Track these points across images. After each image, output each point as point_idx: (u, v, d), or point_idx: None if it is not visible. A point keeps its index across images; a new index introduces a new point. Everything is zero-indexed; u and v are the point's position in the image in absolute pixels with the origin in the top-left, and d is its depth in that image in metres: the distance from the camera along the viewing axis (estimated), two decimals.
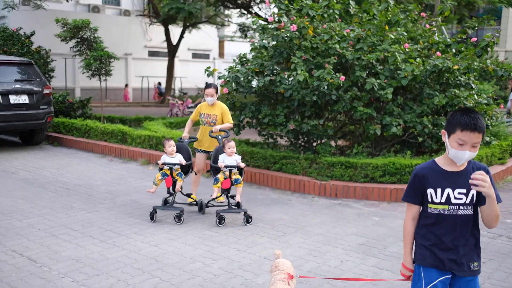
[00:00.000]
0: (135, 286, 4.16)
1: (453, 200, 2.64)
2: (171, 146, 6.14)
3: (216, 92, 6.74)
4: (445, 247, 2.66)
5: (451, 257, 2.65)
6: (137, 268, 4.53)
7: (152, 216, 5.97)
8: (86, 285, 4.14)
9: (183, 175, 6.19)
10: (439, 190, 2.66)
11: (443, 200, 2.65)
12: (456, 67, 7.96)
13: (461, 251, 2.65)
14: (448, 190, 2.64)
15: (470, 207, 2.65)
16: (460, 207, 2.64)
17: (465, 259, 2.65)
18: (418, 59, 8.20)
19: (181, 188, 6.15)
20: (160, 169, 6.16)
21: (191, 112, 12.35)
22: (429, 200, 2.68)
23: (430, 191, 2.68)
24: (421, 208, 2.77)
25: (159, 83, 30.58)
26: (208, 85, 6.82)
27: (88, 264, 4.61)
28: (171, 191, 6.16)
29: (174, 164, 6.08)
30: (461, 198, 2.63)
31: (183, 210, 6.03)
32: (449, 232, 2.65)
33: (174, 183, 6.11)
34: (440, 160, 2.74)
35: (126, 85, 30.43)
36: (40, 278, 4.27)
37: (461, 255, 2.65)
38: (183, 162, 6.15)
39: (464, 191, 2.63)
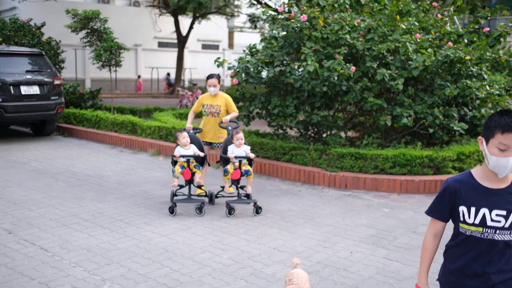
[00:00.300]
0: (145, 275, 4.19)
1: (489, 223, 2.25)
2: (185, 137, 6.07)
3: (219, 82, 6.70)
4: (473, 273, 2.31)
5: (478, 285, 2.31)
6: (148, 258, 4.56)
7: (172, 210, 5.86)
8: (97, 274, 4.18)
9: (201, 167, 6.13)
10: (473, 209, 2.28)
11: (477, 222, 2.27)
12: (468, 57, 7.88)
13: (492, 279, 2.28)
14: (484, 210, 2.25)
15: (509, 232, 2.26)
16: (497, 231, 2.25)
17: None
18: (429, 50, 8.12)
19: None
20: (175, 162, 6.07)
21: None
22: (461, 219, 2.32)
23: (462, 209, 2.31)
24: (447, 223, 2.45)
25: (168, 74, 30.57)
26: (210, 76, 6.77)
27: (99, 253, 4.64)
28: (192, 184, 6.07)
29: (191, 156, 5.99)
30: (499, 221, 2.24)
31: (204, 202, 5.97)
32: (480, 257, 2.30)
33: (192, 176, 6.02)
34: (477, 172, 2.34)
35: (139, 76, 30.48)
36: (52, 267, 4.31)
37: (492, 284, 2.28)
38: (201, 154, 6.09)
39: (504, 213, 2.24)
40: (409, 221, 5.83)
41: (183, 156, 5.96)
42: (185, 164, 5.95)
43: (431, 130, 7.94)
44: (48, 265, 4.35)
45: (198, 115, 7.07)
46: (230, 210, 5.90)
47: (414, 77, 8.07)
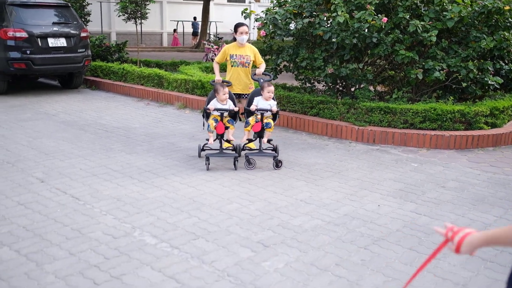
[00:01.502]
0: (174, 224, 4.25)
1: None
2: (225, 93, 5.91)
3: (249, 30, 6.54)
4: None
5: None
6: (176, 208, 4.62)
7: (207, 167, 5.80)
8: (127, 222, 4.26)
9: (234, 122, 6.06)
10: None
11: None
12: (507, 7, 7.55)
13: None
14: None
15: None
16: None
17: None
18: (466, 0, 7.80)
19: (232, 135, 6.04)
20: (207, 115, 5.99)
21: None
22: None
23: None
24: None
25: (195, 18, 29.99)
26: (240, 23, 6.53)
27: (128, 202, 4.72)
28: (223, 138, 6.02)
29: (226, 110, 5.92)
30: None
31: (237, 157, 5.94)
32: None
33: (224, 130, 5.94)
34: None
35: (175, 30, 30.19)
36: (83, 214, 4.40)
37: None
38: (235, 108, 5.99)
39: None
40: (438, 176, 5.76)
41: (217, 110, 5.89)
42: (219, 118, 5.89)
43: (464, 84, 7.71)
44: (79, 212, 4.45)
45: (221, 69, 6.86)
46: (249, 163, 5.89)
47: (448, 28, 7.79)
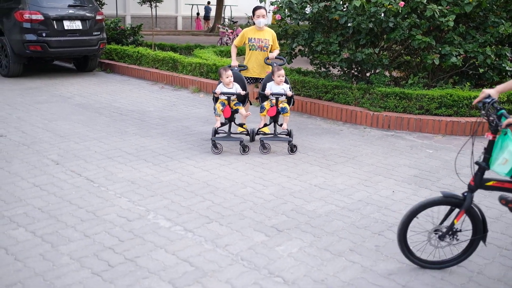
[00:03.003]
0: (188, 207, 4.26)
1: None
2: (228, 76, 5.91)
3: (266, 13, 6.49)
4: None
5: None
6: (190, 191, 4.63)
7: (215, 147, 5.81)
8: (141, 205, 4.28)
9: (242, 105, 6.03)
10: None
11: None
12: None
13: None
14: None
15: None
16: None
17: None
18: None
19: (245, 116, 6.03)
20: (216, 99, 5.99)
21: None
22: None
23: None
24: None
25: (208, 2, 29.88)
26: (258, 6, 6.50)
27: (142, 185, 4.74)
28: (232, 122, 6.00)
29: (233, 94, 5.88)
30: None
31: (243, 140, 5.90)
32: None
33: (232, 114, 5.93)
34: None
35: (198, 14, 30.09)
36: (98, 197, 4.44)
37: None
38: (242, 92, 5.95)
39: None
40: (453, 163, 5.70)
41: (223, 94, 5.89)
42: (226, 102, 5.89)
43: (481, 70, 7.59)
44: (94, 195, 4.48)
45: (239, 53, 6.83)
46: (264, 146, 5.88)
47: (466, 13, 7.65)
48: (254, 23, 6.56)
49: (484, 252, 3.62)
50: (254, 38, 6.46)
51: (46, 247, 3.50)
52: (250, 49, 6.51)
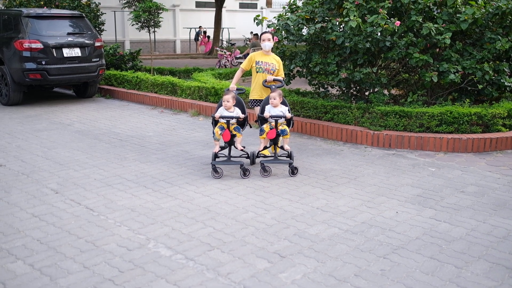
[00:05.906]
0: (189, 234, 4.20)
1: None
2: (229, 101, 5.86)
3: (273, 38, 6.57)
4: None
5: None
6: (191, 218, 4.57)
7: (216, 173, 5.75)
8: (142, 234, 4.22)
9: (241, 129, 5.98)
10: None
11: None
12: None
13: None
14: None
15: None
16: None
17: None
18: (479, 1, 7.68)
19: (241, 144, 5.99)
20: (215, 123, 5.93)
21: (240, 63, 12.16)
22: None
23: None
24: None
25: (200, 27, 30.00)
26: (264, 32, 6.66)
27: (143, 213, 4.69)
28: (232, 146, 5.97)
29: (232, 118, 5.85)
30: None
31: (243, 164, 5.84)
32: None
33: (231, 138, 5.89)
34: None
35: (205, 32, 30.20)
36: (97, 226, 4.38)
37: None
38: (242, 115, 5.93)
39: None
40: (457, 181, 5.64)
41: (223, 117, 5.87)
42: (225, 126, 5.84)
43: (480, 87, 7.58)
44: (94, 224, 4.42)
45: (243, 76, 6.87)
46: (265, 169, 5.83)
47: (462, 30, 7.67)
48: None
49: (492, 273, 3.55)
50: (262, 61, 6.53)
51: (45, 280, 3.44)
52: (257, 72, 6.55)
